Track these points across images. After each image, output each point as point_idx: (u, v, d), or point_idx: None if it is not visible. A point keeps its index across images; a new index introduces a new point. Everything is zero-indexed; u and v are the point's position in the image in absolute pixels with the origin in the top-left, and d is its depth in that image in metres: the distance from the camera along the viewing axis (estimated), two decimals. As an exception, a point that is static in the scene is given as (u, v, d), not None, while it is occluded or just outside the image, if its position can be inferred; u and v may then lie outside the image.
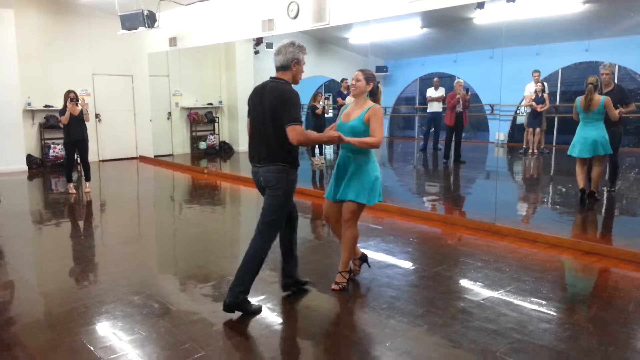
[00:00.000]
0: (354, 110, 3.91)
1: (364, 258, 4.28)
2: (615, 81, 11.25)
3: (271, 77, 3.56)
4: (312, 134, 3.59)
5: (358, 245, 4.16)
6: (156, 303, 3.70)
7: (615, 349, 3.00)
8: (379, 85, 3.98)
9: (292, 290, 3.85)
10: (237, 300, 3.42)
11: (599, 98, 6.13)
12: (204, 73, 13.28)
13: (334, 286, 3.92)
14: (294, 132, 3.29)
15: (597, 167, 6.46)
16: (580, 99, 6.26)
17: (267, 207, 3.52)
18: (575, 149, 6.37)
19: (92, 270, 4.69)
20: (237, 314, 3.47)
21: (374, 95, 3.93)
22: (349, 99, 10.99)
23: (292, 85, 3.51)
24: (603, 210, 6.77)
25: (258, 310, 3.53)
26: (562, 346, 3.03)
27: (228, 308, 3.43)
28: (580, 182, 6.50)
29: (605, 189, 7.14)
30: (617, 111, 6.19)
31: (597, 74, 6.53)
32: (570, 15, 9.52)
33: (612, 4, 9.42)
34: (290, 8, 7.96)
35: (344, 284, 3.93)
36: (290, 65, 3.47)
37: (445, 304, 3.64)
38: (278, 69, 3.51)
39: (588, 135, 6.24)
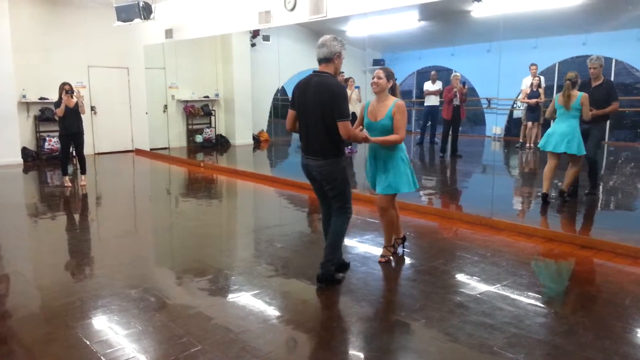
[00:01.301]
0: (378, 107, 4.07)
1: (404, 239, 4.67)
2: (612, 75, 11.33)
3: (314, 71, 3.73)
4: (354, 131, 3.79)
5: (358, 238, 4.22)
6: (152, 297, 3.69)
7: (611, 343, 3.01)
8: (396, 82, 4.21)
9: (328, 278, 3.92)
10: (328, 273, 3.82)
11: (577, 94, 5.90)
12: (200, 65, 13.20)
13: (380, 259, 4.38)
14: (345, 128, 3.58)
15: (573, 167, 6.16)
16: (559, 96, 6.06)
17: (335, 192, 3.82)
18: (550, 143, 6.06)
19: (88, 264, 4.67)
20: (234, 308, 3.47)
21: (393, 92, 4.13)
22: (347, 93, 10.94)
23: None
24: (599, 204, 6.79)
25: (342, 279, 3.95)
26: (558, 340, 3.04)
27: (322, 280, 3.82)
28: (546, 184, 6.19)
29: (585, 191, 6.65)
30: (595, 112, 5.93)
31: None
32: (568, 9, 9.50)
33: (610, -2, 9.41)
34: (287, 0, 7.91)
35: (389, 256, 4.41)
36: (333, 58, 3.67)
37: (442, 298, 3.64)
38: (321, 61, 3.70)
39: (563, 130, 5.95)
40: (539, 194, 6.35)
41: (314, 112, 3.64)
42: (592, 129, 6.18)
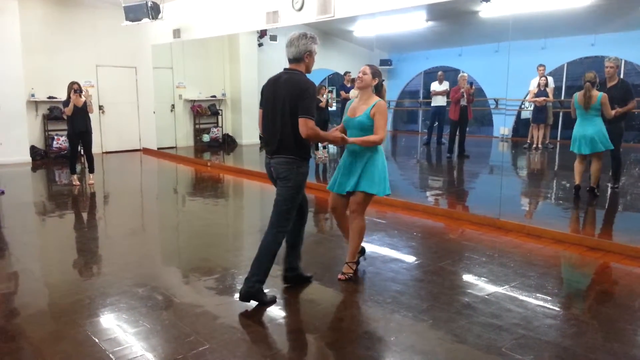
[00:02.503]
0: (359, 105, 3.96)
1: (362, 251, 4.34)
2: (622, 75, 11.25)
3: (285, 69, 3.59)
4: (319, 130, 3.54)
5: (365, 238, 4.16)
6: (160, 295, 3.70)
7: (621, 345, 2.99)
8: (383, 82, 4.07)
9: (292, 284, 3.87)
10: (252, 290, 3.45)
11: (597, 94, 6.11)
12: (207, 65, 13.24)
13: (340, 276, 3.98)
14: (305, 126, 3.35)
15: (596, 162, 6.44)
16: (578, 96, 6.24)
17: (279, 198, 3.56)
18: (575, 145, 6.40)
19: (96, 262, 4.69)
20: (241, 307, 3.47)
21: (379, 91, 4.00)
22: (353, 93, 10.95)
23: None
24: (607, 205, 6.75)
25: (273, 300, 3.57)
26: (567, 342, 3.02)
27: (244, 297, 3.47)
28: (578, 177, 6.52)
29: (608, 185, 7.11)
30: (614, 111, 6.15)
31: (603, 68, 6.46)
32: (577, 10, 9.45)
33: (619, -2, 9.35)
34: (295, 0, 7.91)
35: (351, 274, 4.00)
36: (303, 57, 3.51)
37: (449, 299, 3.63)
38: (291, 61, 3.55)
39: (586, 132, 6.24)
40: (548, 195, 6.31)
41: (282, 108, 3.43)
42: (613, 125, 6.33)
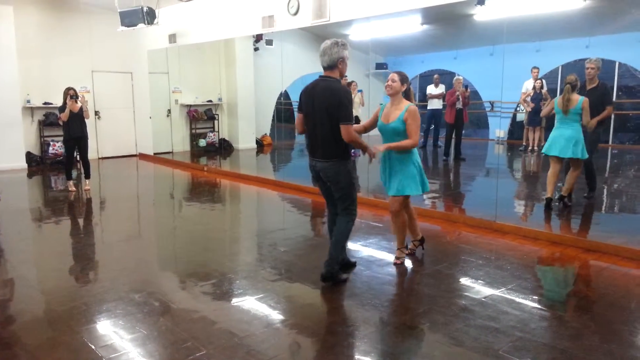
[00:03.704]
0: (392, 110, 4.13)
1: (422, 240, 4.69)
2: (616, 77, 11.32)
3: (321, 76, 3.84)
4: (360, 140, 3.85)
5: (362, 242, 4.20)
6: (157, 301, 3.69)
7: (617, 346, 3.00)
8: (411, 87, 4.25)
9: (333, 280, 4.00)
10: (331, 271, 3.90)
11: (577, 98, 5.79)
12: (203, 70, 13.24)
13: (395, 261, 4.41)
14: (347, 131, 3.67)
15: (575, 171, 6.06)
16: (558, 99, 5.96)
17: (339, 197, 3.94)
18: (555, 148, 5.92)
19: (93, 268, 4.67)
20: (239, 312, 3.46)
21: (407, 96, 4.17)
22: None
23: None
24: (603, 207, 6.77)
25: (346, 279, 4.04)
26: (564, 344, 3.03)
27: (325, 279, 3.92)
28: (550, 188, 6.10)
29: (584, 195, 6.61)
30: (594, 120, 5.87)
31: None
32: (571, 12, 9.48)
33: (613, 1, 9.39)
34: (290, 4, 7.93)
35: (404, 257, 4.46)
36: (336, 64, 3.77)
37: (446, 302, 3.63)
38: (325, 68, 3.82)
39: (565, 134, 5.86)
40: (543, 198, 6.31)
41: (320, 115, 3.75)
42: (588, 133, 6.05)
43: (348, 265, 4.26)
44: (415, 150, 4.22)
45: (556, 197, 6.27)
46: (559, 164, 6.12)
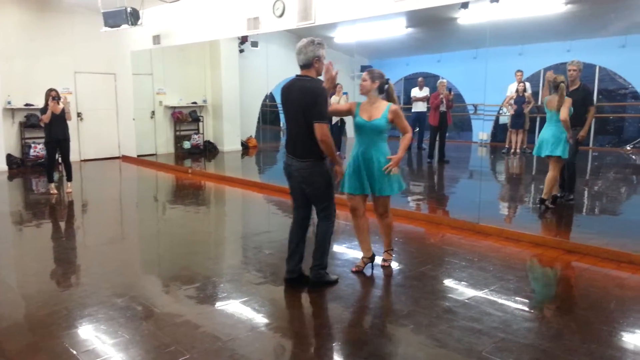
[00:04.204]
0: (371, 109, 4.10)
1: (373, 258, 4.42)
2: (596, 81, 11.52)
3: (297, 75, 3.78)
4: (333, 146, 3.73)
5: (347, 244, 4.19)
6: (140, 305, 3.66)
7: (598, 346, 3.05)
8: (389, 81, 4.21)
9: (294, 284, 3.99)
10: (318, 276, 3.91)
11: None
12: (188, 71, 13.15)
13: (383, 263, 4.40)
14: (321, 130, 3.62)
15: (553, 172, 6.11)
16: (548, 99, 6.02)
17: (315, 198, 3.88)
18: (545, 148, 6.03)
19: (74, 272, 4.62)
20: (223, 316, 3.45)
21: (388, 94, 4.17)
22: (334, 99, 10.96)
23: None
24: (584, 209, 6.87)
25: (336, 280, 4.02)
26: (546, 344, 3.07)
27: (313, 285, 3.91)
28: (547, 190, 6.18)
29: (562, 198, 6.56)
30: (584, 131, 6.06)
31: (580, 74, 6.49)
32: (553, 16, 9.64)
33: (593, 6, 9.56)
34: (275, 6, 7.92)
35: (391, 260, 4.48)
36: (312, 62, 3.72)
37: (430, 304, 3.66)
38: (302, 67, 3.77)
39: (551, 133, 5.97)
40: (525, 199, 6.39)
41: (296, 115, 3.72)
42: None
43: (302, 278, 4.04)
44: (388, 151, 4.16)
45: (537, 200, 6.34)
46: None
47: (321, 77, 3.84)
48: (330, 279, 3.99)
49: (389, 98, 4.17)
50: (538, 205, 6.32)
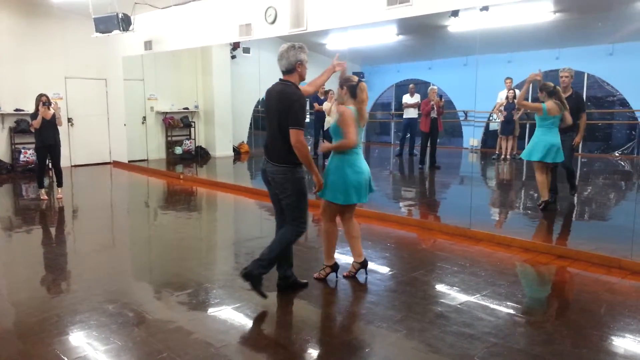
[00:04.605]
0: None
1: (365, 263, 4.35)
2: (585, 88, 11.65)
3: (280, 79, 3.76)
4: (308, 154, 3.66)
5: (339, 249, 4.22)
6: (131, 312, 3.64)
7: (588, 351, 3.08)
8: (362, 81, 4.02)
9: (285, 290, 3.97)
10: (255, 273, 3.65)
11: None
12: (180, 77, 13.15)
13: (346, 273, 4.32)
14: (296, 137, 3.56)
15: (543, 174, 6.36)
16: (549, 107, 6.07)
17: (286, 205, 3.77)
18: (549, 154, 6.17)
19: (65, 279, 4.58)
20: (215, 322, 3.44)
21: (354, 94, 3.96)
22: (326, 105, 10.98)
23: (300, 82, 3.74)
24: (574, 215, 6.94)
25: (264, 295, 3.71)
26: (537, 349, 3.09)
27: (244, 276, 3.68)
28: (546, 191, 6.42)
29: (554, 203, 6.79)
30: (578, 137, 6.36)
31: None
32: (541, 25, 9.75)
33: (581, 14, 9.69)
34: (267, 13, 7.96)
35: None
36: (294, 67, 3.69)
37: (423, 309, 3.67)
38: (284, 72, 3.73)
39: (556, 141, 6.16)
40: (516, 205, 6.45)
41: (273, 118, 3.69)
42: (563, 138, 6.30)
43: (296, 285, 4.02)
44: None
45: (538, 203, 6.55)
46: (546, 166, 6.37)
47: (314, 80, 3.82)
48: (259, 287, 3.69)
49: (355, 97, 3.96)
50: (542, 207, 6.46)
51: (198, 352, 3.04)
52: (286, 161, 3.66)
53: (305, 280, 4.12)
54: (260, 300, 3.85)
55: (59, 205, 7.73)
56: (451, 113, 13.77)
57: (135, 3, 9.21)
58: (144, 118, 12.61)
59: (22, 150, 10.65)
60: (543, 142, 6.18)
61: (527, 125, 12.34)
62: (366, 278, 4.30)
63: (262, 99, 13.15)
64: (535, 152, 6.23)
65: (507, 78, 11.08)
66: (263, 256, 3.73)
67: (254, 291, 3.69)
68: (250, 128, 14.05)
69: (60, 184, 8.04)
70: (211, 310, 3.72)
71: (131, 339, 3.21)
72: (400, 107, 12.59)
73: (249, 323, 3.49)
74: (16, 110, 10.57)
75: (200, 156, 13.25)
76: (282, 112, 3.60)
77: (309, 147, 13.73)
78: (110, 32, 9.10)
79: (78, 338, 3.25)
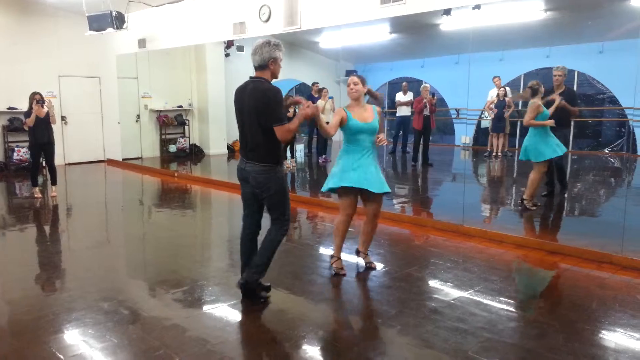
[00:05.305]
0: (361, 112, 4.20)
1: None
2: (575, 86, 11.75)
3: (251, 77, 3.66)
4: (292, 124, 3.58)
5: (333, 246, 4.23)
6: (127, 309, 3.65)
7: (580, 345, 3.13)
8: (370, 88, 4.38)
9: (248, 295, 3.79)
10: (251, 280, 3.67)
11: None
12: (174, 75, 13.12)
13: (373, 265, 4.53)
14: (282, 132, 3.48)
15: (539, 172, 6.38)
16: (536, 104, 6.09)
17: (270, 205, 3.71)
18: (556, 150, 6.26)
19: (60, 277, 4.58)
20: (211, 319, 3.46)
21: (374, 95, 4.38)
22: (320, 103, 11.01)
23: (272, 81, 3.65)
24: (565, 210, 7.01)
25: (265, 297, 3.78)
26: (530, 344, 3.14)
27: (243, 287, 3.72)
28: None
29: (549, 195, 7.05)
30: (559, 106, 6.32)
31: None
32: (532, 23, 9.82)
33: (572, 13, 9.77)
34: (261, 11, 7.97)
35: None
36: (267, 64, 3.58)
37: (417, 305, 3.71)
38: (256, 68, 3.63)
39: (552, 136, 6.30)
40: (507, 201, 6.50)
41: (250, 118, 3.55)
42: (556, 134, 6.38)
43: (262, 288, 3.84)
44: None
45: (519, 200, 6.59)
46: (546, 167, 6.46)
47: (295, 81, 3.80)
48: (264, 285, 3.77)
49: (375, 98, 4.36)
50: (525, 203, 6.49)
51: (194, 349, 3.06)
52: (267, 160, 3.57)
53: (267, 283, 3.89)
54: (255, 297, 3.88)
55: (53, 203, 7.71)
56: (443, 111, 13.84)
57: (129, 1, 9.19)
58: (138, 116, 12.57)
59: (16, 149, 10.60)
60: (544, 141, 6.23)
61: (518, 123, 12.45)
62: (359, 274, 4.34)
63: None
64: (545, 152, 6.21)
65: (495, 77, 11.19)
66: (254, 264, 3.69)
67: (255, 299, 3.72)
68: (244, 126, 14.02)
69: (54, 182, 8.01)
70: (207, 307, 3.74)
71: (127, 336, 3.23)
72: (393, 105, 12.63)
73: (244, 320, 3.51)
74: (9, 108, 10.52)
75: (195, 154, 13.24)
76: (262, 111, 3.48)
77: (303, 144, 13.71)
78: (104, 30, 9.06)
79: (73, 336, 3.26)
